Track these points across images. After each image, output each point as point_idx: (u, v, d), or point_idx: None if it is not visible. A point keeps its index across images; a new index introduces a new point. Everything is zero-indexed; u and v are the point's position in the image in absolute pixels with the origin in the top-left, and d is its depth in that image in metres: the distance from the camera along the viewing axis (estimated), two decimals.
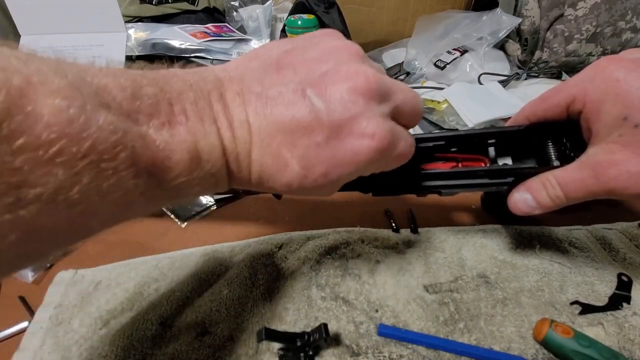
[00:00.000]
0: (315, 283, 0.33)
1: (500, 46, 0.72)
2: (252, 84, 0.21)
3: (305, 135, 0.20)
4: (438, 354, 0.28)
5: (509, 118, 0.34)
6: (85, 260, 0.37)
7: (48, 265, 0.37)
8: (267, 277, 0.34)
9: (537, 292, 0.32)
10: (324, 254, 0.36)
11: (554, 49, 0.64)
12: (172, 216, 0.42)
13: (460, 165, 0.33)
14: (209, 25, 0.69)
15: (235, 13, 0.76)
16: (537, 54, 0.66)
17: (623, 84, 0.24)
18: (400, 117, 0.24)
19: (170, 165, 0.18)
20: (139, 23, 0.68)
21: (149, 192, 0.17)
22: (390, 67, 0.72)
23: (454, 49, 0.66)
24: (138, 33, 0.65)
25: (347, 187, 0.28)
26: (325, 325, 0.27)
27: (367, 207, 0.42)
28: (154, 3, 0.68)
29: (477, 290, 0.33)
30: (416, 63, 0.67)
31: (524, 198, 0.30)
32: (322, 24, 0.64)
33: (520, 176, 0.30)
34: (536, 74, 0.67)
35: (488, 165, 0.32)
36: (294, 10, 0.66)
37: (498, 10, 0.65)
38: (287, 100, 0.20)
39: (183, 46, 0.63)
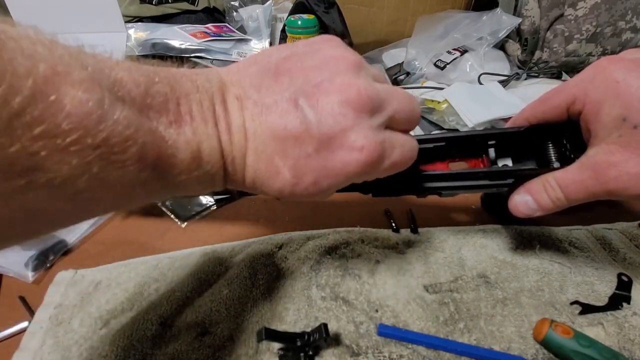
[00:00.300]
0: (315, 283, 0.33)
1: (500, 46, 0.71)
2: (250, 89, 0.22)
3: (297, 145, 0.21)
4: (438, 354, 0.28)
5: (509, 118, 0.34)
6: (85, 260, 0.37)
7: (48, 265, 0.37)
8: (267, 277, 0.34)
9: (537, 292, 0.33)
10: (324, 254, 0.36)
11: (554, 49, 0.64)
12: (172, 216, 0.42)
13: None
14: (209, 25, 0.69)
15: (235, 13, 0.76)
16: (537, 54, 0.66)
17: (622, 84, 0.24)
18: (397, 124, 0.24)
19: (174, 162, 0.18)
20: (139, 23, 0.68)
21: (150, 185, 0.18)
22: (390, 67, 0.72)
23: (454, 49, 0.66)
24: (138, 33, 0.65)
25: (347, 188, 0.28)
26: (325, 325, 0.27)
27: (367, 207, 0.42)
28: (154, 3, 0.68)
29: (477, 290, 0.33)
30: (416, 63, 0.67)
31: (525, 200, 0.30)
32: (322, 24, 0.64)
33: (520, 178, 0.30)
34: (536, 74, 0.67)
35: (488, 166, 0.32)
36: (294, 10, 0.66)
37: (498, 10, 0.65)
38: (281, 109, 0.21)
39: (183, 46, 0.63)
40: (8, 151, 0.12)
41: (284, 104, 0.21)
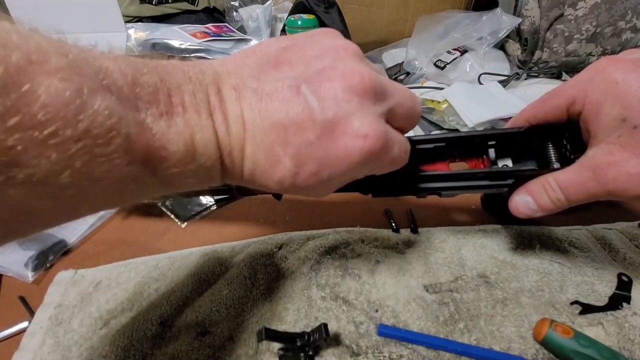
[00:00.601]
0: (315, 283, 0.33)
1: (500, 46, 0.72)
2: (249, 79, 0.21)
3: (298, 132, 0.20)
4: (438, 354, 0.28)
5: (509, 118, 0.34)
6: (85, 260, 0.37)
7: (48, 265, 0.37)
8: (267, 277, 0.34)
9: (537, 292, 0.33)
10: (324, 254, 0.36)
11: (554, 49, 0.64)
12: (172, 216, 0.42)
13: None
14: (209, 25, 0.69)
15: (235, 13, 0.76)
16: (537, 54, 0.66)
17: (622, 85, 0.24)
18: (396, 119, 0.23)
19: (165, 155, 0.18)
20: (139, 23, 0.68)
21: (142, 180, 0.17)
22: (390, 67, 0.72)
23: (454, 49, 0.66)
24: (138, 33, 0.65)
25: (346, 188, 0.28)
26: (325, 325, 0.27)
27: (367, 207, 0.42)
28: (154, 3, 0.68)
29: (477, 290, 0.33)
30: (416, 63, 0.67)
31: (525, 201, 0.29)
32: (322, 24, 0.64)
33: (520, 178, 0.30)
34: (536, 74, 0.67)
35: (488, 167, 0.32)
36: (294, 10, 0.66)
37: (498, 10, 0.65)
38: (282, 96, 0.20)
39: (183, 46, 0.63)
40: None
41: (286, 91, 0.20)
